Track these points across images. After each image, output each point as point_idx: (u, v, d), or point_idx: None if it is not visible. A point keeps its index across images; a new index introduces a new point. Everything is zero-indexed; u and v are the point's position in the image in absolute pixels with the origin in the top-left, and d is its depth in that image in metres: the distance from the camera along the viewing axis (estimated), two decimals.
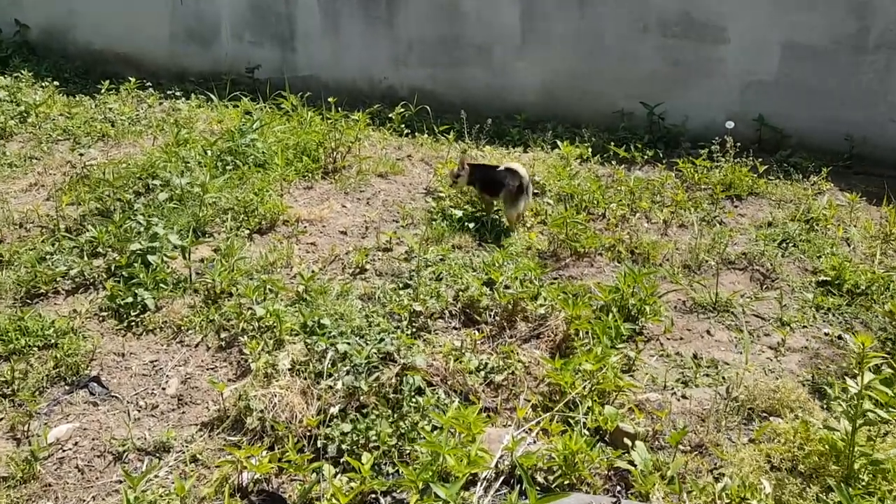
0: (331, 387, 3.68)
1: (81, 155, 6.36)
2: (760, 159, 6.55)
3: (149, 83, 8.87)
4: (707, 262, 5.19)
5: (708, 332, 4.46)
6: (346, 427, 3.45)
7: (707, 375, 4.05)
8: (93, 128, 7.46)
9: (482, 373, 3.92)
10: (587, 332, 4.17)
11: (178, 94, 8.67)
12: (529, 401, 3.78)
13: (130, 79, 8.74)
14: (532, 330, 4.31)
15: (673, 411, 3.72)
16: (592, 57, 7.71)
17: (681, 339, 4.42)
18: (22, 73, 8.87)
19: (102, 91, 8.51)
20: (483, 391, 3.84)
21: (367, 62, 8.67)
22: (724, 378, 4.01)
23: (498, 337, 4.32)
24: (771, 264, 5.13)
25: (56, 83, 8.86)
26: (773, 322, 4.52)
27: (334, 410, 3.54)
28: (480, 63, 8.18)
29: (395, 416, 3.56)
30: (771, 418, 3.66)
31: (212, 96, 8.31)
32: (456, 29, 8.18)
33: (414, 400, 3.62)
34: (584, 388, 3.63)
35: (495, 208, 5.70)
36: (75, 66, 9.78)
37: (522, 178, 5.34)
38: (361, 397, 3.64)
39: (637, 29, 7.48)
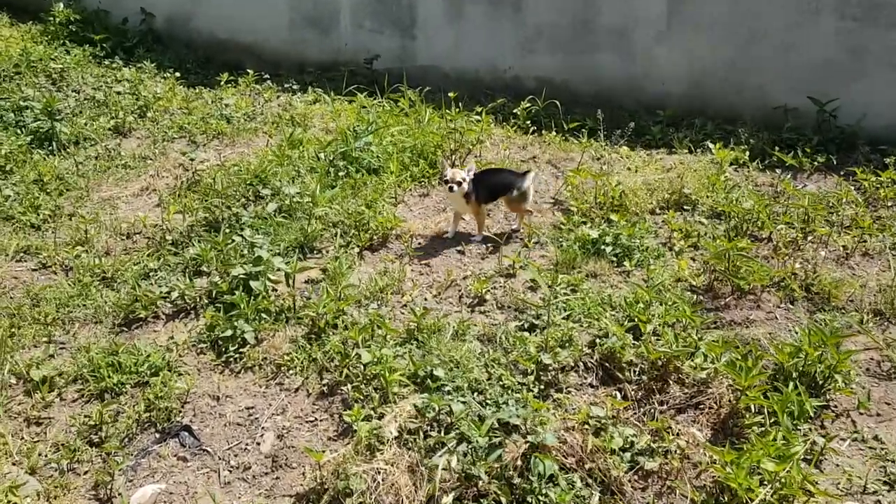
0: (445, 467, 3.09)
1: (192, 160, 6.06)
2: None
3: (267, 75, 8.58)
4: None
5: None
6: None
7: None
8: (209, 125, 7.21)
9: (628, 454, 3.21)
10: (760, 406, 3.36)
11: (295, 87, 8.33)
12: (687, 497, 3.04)
13: (249, 71, 8.49)
14: (688, 398, 3.54)
15: None
16: (751, 43, 6.65)
17: (878, 415, 3.52)
18: (145, 64, 8.81)
19: (221, 84, 8.29)
20: (630, 481, 3.13)
21: (491, 50, 7.96)
22: None
23: (645, 402, 3.58)
24: None
25: (177, 74, 8.74)
26: None
27: (447, 500, 2.95)
28: (618, 50, 7.28)
29: None
30: None
31: (325, 95, 7.88)
32: (590, 11, 7.30)
33: (544, 494, 2.96)
34: (765, 494, 2.85)
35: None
36: (197, 56, 9.64)
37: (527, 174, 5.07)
38: (479, 483, 3.02)
39: (806, 10, 6.36)
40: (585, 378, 3.75)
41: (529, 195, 5.14)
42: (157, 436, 3.60)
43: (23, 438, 3.57)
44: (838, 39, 6.29)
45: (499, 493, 2.99)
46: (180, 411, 3.72)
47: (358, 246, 5.06)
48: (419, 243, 5.17)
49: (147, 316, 4.40)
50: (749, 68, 6.72)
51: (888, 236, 4.97)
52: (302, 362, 3.97)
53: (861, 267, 4.73)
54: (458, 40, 8.10)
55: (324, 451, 3.34)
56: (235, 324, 4.13)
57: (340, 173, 5.87)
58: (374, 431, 3.24)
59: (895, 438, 3.35)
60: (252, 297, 4.33)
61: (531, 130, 7.00)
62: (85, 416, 3.64)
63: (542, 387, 3.65)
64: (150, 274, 4.79)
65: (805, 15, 6.37)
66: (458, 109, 6.54)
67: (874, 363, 3.83)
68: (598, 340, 3.90)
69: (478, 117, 6.61)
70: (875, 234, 4.95)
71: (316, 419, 3.66)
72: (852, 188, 5.55)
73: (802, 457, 3.12)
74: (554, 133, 6.90)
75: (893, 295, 4.25)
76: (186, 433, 3.60)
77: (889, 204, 5.37)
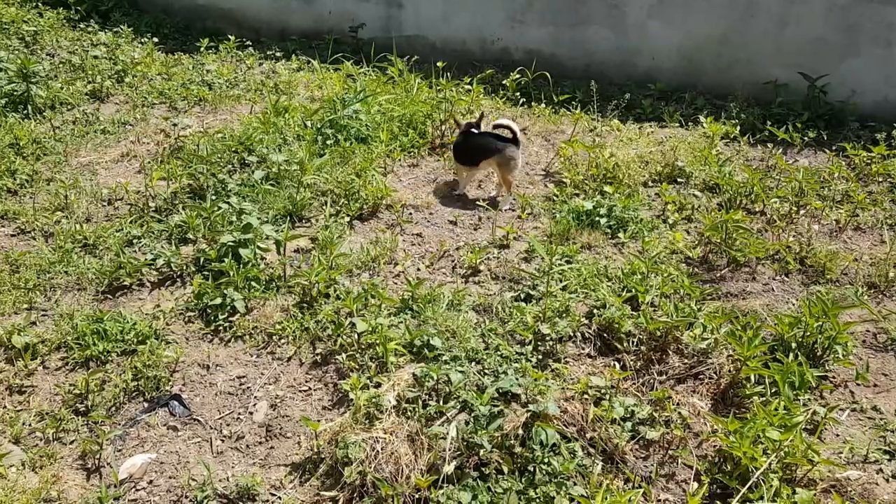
0: (444, 436, 3.03)
1: (175, 125, 5.88)
2: None
3: (248, 42, 8.37)
4: None
5: None
6: (465, 497, 2.80)
7: None
8: (189, 91, 7.00)
9: (629, 424, 3.18)
10: (760, 377, 3.34)
11: (278, 54, 8.13)
12: (691, 467, 3.02)
13: (230, 37, 8.27)
14: (688, 368, 3.52)
15: (882, 498, 2.88)
16: (744, 18, 6.60)
17: (875, 386, 3.52)
18: (122, 29, 8.52)
19: (202, 50, 8.07)
20: (631, 450, 3.10)
21: (480, 20, 7.82)
22: None
23: (644, 372, 3.55)
24: None
25: (155, 39, 8.47)
26: None
27: (448, 469, 2.89)
28: (609, 22, 7.18)
29: (524, 481, 2.89)
30: None
31: (313, 61, 7.67)
32: None
33: (547, 461, 2.92)
34: (769, 463, 2.83)
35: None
36: (175, 22, 9.36)
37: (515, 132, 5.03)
38: (481, 452, 2.97)
39: None
40: (583, 348, 3.71)
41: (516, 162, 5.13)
42: (146, 405, 3.50)
43: (5, 407, 3.44)
44: (831, 16, 6.26)
45: (500, 461, 2.95)
46: (169, 380, 3.61)
47: (348, 215, 4.95)
48: (410, 213, 5.08)
49: (132, 283, 4.26)
50: (741, 43, 6.67)
51: (880, 211, 4.98)
52: (294, 331, 3.87)
53: (853, 241, 4.74)
54: (446, 9, 7.94)
55: (319, 421, 3.27)
56: (225, 292, 4.02)
57: (329, 141, 5.73)
58: (373, 400, 3.17)
59: (893, 409, 3.36)
60: (241, 265, 4.21)
61: (520, 102, 6.90)
62: (70, 385, 3.52)
63: (539, 357, 3.60)
64: (134, 241, 4.64)
65: None
66: (446, 80, 6.42)
67: (870, 335, 3.84)
68: (595, 311, 3.85)
69: (468, 87, 6.48)
70: (867, 208, 4.96)
71: (310, 388, 3.58)
72: (843, 163, 5.55)
73: (804, 427, 3.12)
74: (544, 105, 6.80)
75: (887, 268, 4.26)
76: (176, 402, 3.50)
77: (879, 179, 5.38)
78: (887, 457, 3.09)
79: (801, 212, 4.94)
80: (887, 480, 2.97)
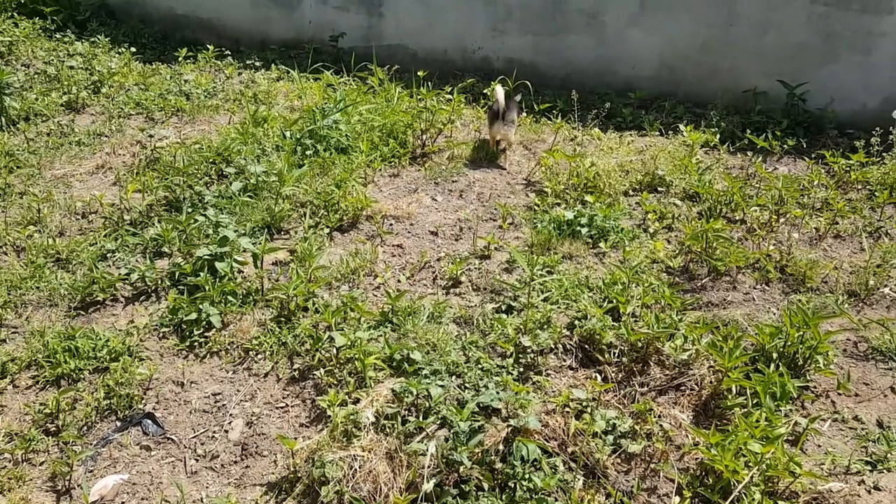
0: (423, 452, 2.98)
1: (151, 136, 5.81)
2: None
3: (227, 51, 8.31)
4: (879, 288, 4.21)
5: (892, 389, 3.53)
6: None
7: None
8: (167, 102, 6.93)
9: (611, 437, 3.14)
10: (742, 388, 3.31)
11: (257, 63, 8.06)
12: (673, 481, 2.98)
13: (209, 46, 8.20)
14: (670, 379, 3.48)
15: None
16: (724, 26, 6.61)
17: (856, 396, 3.51)
18: (99, 39, 8.43)
19: (180, 59, 7.99)
20: (613, 464, 3.06)
21: (461, 30, 7.80)
22: None
23: (625, 384, 3.51)
24: None
25: (133, 49, 8.39)
26: None
27: (428, 487, 2.84)
28: (589, 31, 7.18)
29: (504, 498, 2.84)
30: None
31: (291, 71, 7.61)
32: None
33: (528, 477, 2.87)
34: (752, 476, 2.80)
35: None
36: (154, 32, 9.28)
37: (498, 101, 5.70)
38: (461, 468, 2.92)
39: None
40: (565, 360, 3.67)
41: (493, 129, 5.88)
42: (118, 424, 3.42)
43: None
44: (810, 23, 6.29)
45: (481, 478, 2.89)
46: (142, 398, 3.54)
47: (327, 227, 4.90)
48: (390, 224, 5.03)
49: (105, 299, 4.18)
50: (722, 50, 6.69)
51: (859, 218, 4.99)
52: (271, 346, 3.81)
53: (833, 249, 4.74)
54: (427, 19, 7.92)
55: (296, 439, 3.21)
56: (200, 307, 3.95)
57: (308, 152, 5.68)
58: (351, 417, 3.11)
59: (874, 418, 3.35)
60: (217, 279, 4.15)
61: None
62: (40, 404, 3.44)
63: (521, 370, 3.56)
64: (108, 255, 4.56)
65: None
66: (427, 89, 6.39)
67: (851, 344, 3.83)
68: (577, 322, 3.82)
69: (449, 96, 6.46)
70: (847, 216, 4.97)
71: (287, 405, 3.51)
72: (822, 171, 5.56)
73: (786, 438, 3.10)
74: (524, 114, 6.79)
75: (867, 276, 4.26)
76: (149, 421, 3.42)
77: (858, 187, 5.39)
78: (869, 468, 3.07)
79: (781, 220, 4.94)
80: (869, 492, 2.95)
